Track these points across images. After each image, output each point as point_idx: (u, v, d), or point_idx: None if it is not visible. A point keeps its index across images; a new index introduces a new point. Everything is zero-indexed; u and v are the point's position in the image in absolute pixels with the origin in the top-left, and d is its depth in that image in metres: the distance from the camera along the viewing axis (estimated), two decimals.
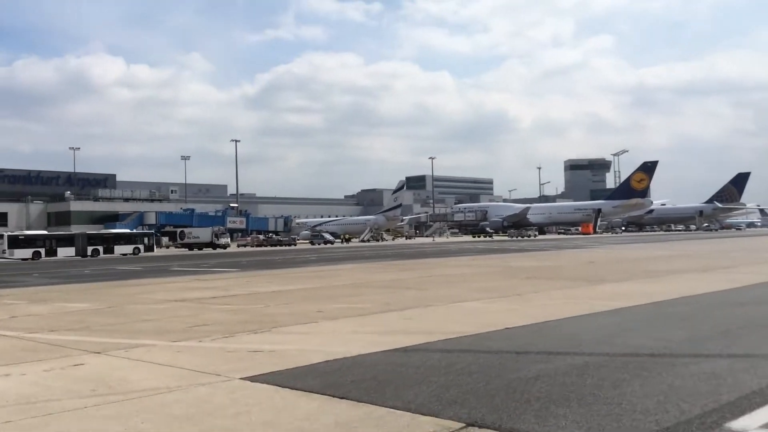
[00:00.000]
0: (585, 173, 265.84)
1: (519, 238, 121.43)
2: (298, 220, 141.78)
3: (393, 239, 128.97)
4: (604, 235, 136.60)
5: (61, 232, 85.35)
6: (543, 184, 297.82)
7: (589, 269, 28.95)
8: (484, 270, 29.77)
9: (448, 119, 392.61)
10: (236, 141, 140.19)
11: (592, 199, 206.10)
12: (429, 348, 10.40)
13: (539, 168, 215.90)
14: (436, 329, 12.20)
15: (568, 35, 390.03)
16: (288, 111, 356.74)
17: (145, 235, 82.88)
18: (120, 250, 75.34)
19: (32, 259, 67.47)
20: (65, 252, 71.69)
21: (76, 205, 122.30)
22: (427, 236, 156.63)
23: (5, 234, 72.35)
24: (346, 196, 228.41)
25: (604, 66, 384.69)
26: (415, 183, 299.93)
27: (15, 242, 69.45)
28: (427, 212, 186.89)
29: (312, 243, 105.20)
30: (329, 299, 18.36)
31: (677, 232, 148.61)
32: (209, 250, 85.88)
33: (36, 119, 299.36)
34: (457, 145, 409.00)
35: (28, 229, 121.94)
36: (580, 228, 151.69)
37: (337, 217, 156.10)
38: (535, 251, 51.64)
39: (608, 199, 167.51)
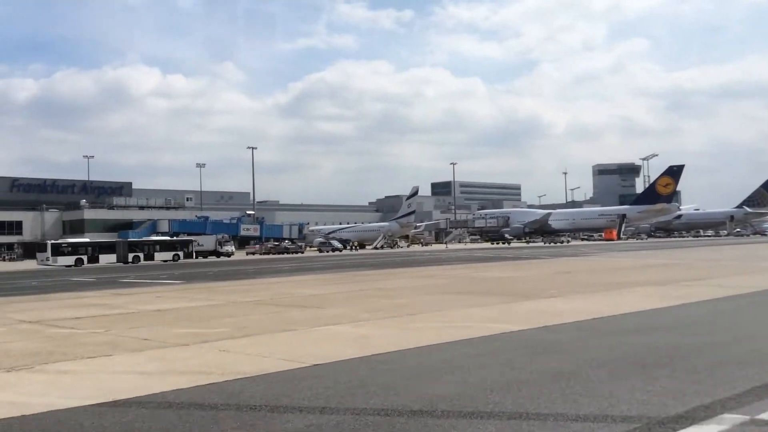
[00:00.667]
0: (614, 178, 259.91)
1: (552, 244, 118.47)
2: (312, 228, 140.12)
3: (408, 246, 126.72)
4: (629, 241, 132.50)
5: (103, 239, 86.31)
6: (573, 189, 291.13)
7: (545, 282, 26.27)
8: (432, 282, 27.34)
9: (480, 125, 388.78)
10: (253, 148, 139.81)
11: (621, 204, 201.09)
12: (150, 401, 8.11)
13: (565, 173, 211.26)
14: (222, 368, 9.95)
15: (601, 39, 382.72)
16: (320, 119, 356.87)
17: (185, 242, 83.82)
18: (160, 256, 76.57)
19: (75, 266, 68.04)
20: (107, 259, 72.96)
21: (89, 213, 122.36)
22: (445, 243, 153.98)
23: (48, 242, 74.06)
24: (370, 203, 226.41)
25: (638, 70, 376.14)
26: (440, 189, 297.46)
27: (58, 250, 70.68)
28: (448, 218, 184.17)
29: (320, 250, 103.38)
30: (199, 321, 16.22)
31: (706, 238, 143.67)
32: (215, 258, 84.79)
33: (75, 130, 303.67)
34: (488, 151, 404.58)
35: (43, 237, 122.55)
36: (603, 234, 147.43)
37: (355, 224, 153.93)
38: (525, 259, 48.89)
39: (633, 204, 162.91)
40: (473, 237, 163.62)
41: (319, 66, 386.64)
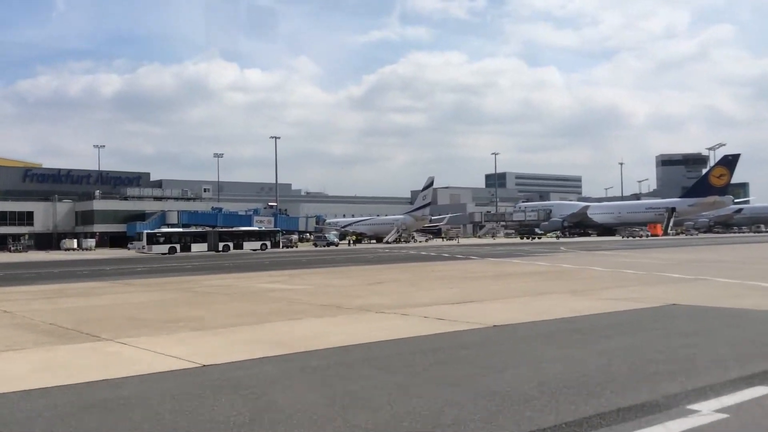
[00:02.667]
0: (679, 169, 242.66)
1: (629, 237, 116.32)
2: (330, 220, 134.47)
3: (426, 241, 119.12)
4: (678, 237, 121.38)
5: (195, 230, 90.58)
6: (641, 181, 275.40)
7: (286, 303, 19.22)
8: (159, 297, 20.78)
9: (556, 115, 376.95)
10: (276, 138, 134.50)
11: (684, 197, 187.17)
12: None
13: (621, 164, 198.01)
14: None
15: (684, 26, 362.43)
16: (393, 111, 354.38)
17: (272, 233, 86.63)
18: (249, 246, 79.16)
19: (168, 253, 72.14)
20: (199, 247, 76.13)
21: (99, 204, 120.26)
22: (479, 237, 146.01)
23: (144, 231, 78.97)
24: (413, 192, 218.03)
25: (724, 57, 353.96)
26: (494, 181, 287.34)
27: (152, 239, 74.78)
28: (487, 211, 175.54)
29: (315, 245, 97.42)
30: None
31: (765, 234, 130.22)
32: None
33: (157, 123, 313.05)
34: (564, 142, 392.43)
35: (54, 228, 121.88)
36: (647, 229, 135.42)
37: (386, 216, 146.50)
38: (463, 260, 41.41)
39: (683, 197, 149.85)
40: (508, 231, 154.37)
41: (392, 58, 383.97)
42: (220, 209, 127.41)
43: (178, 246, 74.86)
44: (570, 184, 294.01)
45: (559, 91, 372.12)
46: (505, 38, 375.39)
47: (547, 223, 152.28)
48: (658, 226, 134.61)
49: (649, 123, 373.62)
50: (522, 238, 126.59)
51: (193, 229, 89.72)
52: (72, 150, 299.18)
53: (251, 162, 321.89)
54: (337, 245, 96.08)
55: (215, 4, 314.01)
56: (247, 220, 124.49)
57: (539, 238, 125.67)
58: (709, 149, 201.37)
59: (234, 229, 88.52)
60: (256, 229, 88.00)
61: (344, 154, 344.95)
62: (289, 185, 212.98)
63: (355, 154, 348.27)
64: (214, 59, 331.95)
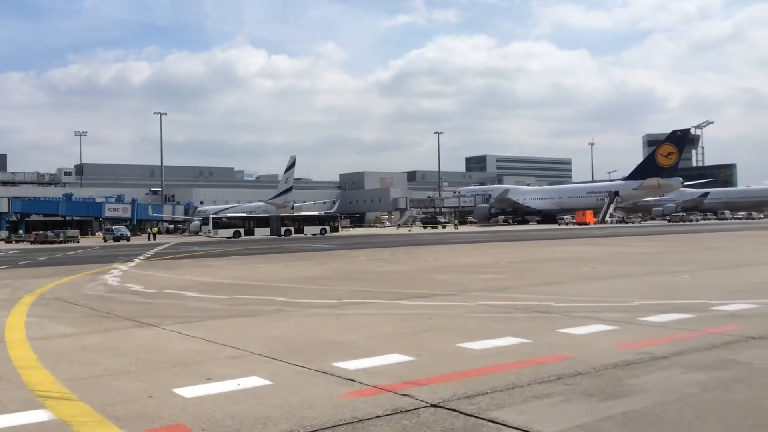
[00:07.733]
0: None
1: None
2: (200, 208, 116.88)
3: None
4: (617, 225, 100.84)
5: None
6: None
7: None
8: None
9: (588, 99, 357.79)
10: (162, 113, 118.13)
11: (628, 179, 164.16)
12: None
13: (591, 144, 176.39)
14: None
15: (718, 5, 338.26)
16: (421, 96, 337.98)
17: (331, 217, 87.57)
18: (309, 230, 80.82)
19: (233, 237, 74.87)
20: (262, 232, 78.53)
21: None
22: (399, 225, 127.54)
23: (210, 217, 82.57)
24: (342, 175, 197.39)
25: (761, 37, 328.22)
26: (474, 164, 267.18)
27: (218, 224, 78.34)
28: (429, 197, 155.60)
29: (104, 239, 79.21)
30: None
31: (730, 222, 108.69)
32: None
33: (187, 110, 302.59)
34: (597, 126, 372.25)
35: None
36: (575, 217, 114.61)
37: (249, 203, 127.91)
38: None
39: (628, 179, 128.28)
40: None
41: (419, 42, 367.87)
42: (70, 195, 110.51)
43: (242, 230, 77.23)
44: (559, 168, 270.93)
45: (590, 74, 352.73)
46: (535, 21, 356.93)
47: (474, 209, 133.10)
48: (588, 213, 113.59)
49: (685, 106, 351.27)
50: (425, 227, 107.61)
51: (256, 215, 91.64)
52: (105, 138, 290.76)
53: (281, 150, 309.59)
54: (128, 239, 77.71)
55: None
56: (97, 208, 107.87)
57: (443, 227, 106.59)
58: (696, 128, 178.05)
59: (295, 214, 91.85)
60: (317, 214, 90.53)
61: (374, 140, 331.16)
62: (232, 169, 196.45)
63: (385, 140, 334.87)
64: (243, 46, 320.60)
